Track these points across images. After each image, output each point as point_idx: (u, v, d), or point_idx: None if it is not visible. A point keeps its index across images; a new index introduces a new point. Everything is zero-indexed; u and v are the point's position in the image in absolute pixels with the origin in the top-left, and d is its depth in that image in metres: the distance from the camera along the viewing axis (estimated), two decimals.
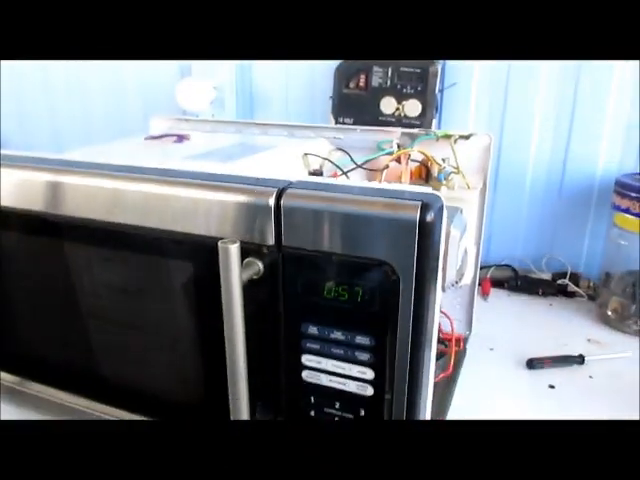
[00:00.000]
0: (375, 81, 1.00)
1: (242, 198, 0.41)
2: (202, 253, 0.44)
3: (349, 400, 0.44)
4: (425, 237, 0.37)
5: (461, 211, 0.60)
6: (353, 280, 0.40)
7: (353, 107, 1.03)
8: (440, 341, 0.72)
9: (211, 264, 0.41)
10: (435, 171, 0.68)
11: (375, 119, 1.01)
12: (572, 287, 0.96)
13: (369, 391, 0.43)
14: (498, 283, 1.01)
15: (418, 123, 0.99)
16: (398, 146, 0.69)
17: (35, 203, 0.49)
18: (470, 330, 0.80)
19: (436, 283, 0.41)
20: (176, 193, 0.43)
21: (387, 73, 0.99)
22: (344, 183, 0.42)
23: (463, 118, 1.01)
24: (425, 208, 0.37)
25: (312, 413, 0.46)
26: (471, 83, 0.99)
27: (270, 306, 0.44)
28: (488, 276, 1.02)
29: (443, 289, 0.57)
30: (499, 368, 0.75)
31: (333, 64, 1.04)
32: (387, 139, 0.70)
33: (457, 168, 0.67)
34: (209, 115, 1.15)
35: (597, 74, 0.90)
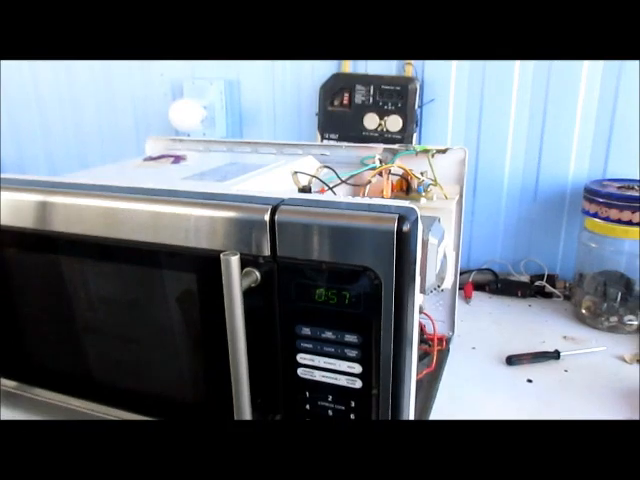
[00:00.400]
0: (358, 99, 1.06)
1: (240, 215, 0.46)
2: (205, 264, 0.49)
3: (340, 393, 0.49)
4: (402, 245, 0.42)
5: (439, 220, 0.66)
6: (341, 285, 0.45)
7: (338, 123, 1.09)
8: (424, 341, 0.78)
9: (213, 274, 0.45)
10: (415, 184, 0.73)
11: (359, 134, 1.07)
12: (549, 288, 1.01)
13: (358, 384, 0.48)
14: (480, 286, 1.06)
15: (399, 137, 1.05)
16: (380, 161, 0.74)
17: (54, 224, 0.54)
18: (453, 331, 0.85)
19: (414, 285, 0.46)
20: (183, 212, 0.48)
21: (369, 91, 1.05)
22: (330, 199, 0.47)
23: (442, 131, 1.07)
24: (402, 220, 0.42)
25: (307, 407, 0.51)
26: (449, 98, 1.05)
27: (267, 310, 0.49)
28: (470, 280, 1.07)
29: (424, 292, 0.62)
30: (481, 365, 0.80)
31: (318, 82, 1.09)
32: (370, 155, 0.75)
33: (434, 180, 0.72)
34: (200, 134, 1.21)
35: (564, 87, 0.97)
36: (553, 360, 0.81)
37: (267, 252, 0.46)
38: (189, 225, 0.48)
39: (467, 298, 1.03)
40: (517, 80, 0.99)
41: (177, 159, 0.75)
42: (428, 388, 0.71)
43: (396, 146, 0.79)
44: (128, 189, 0.52)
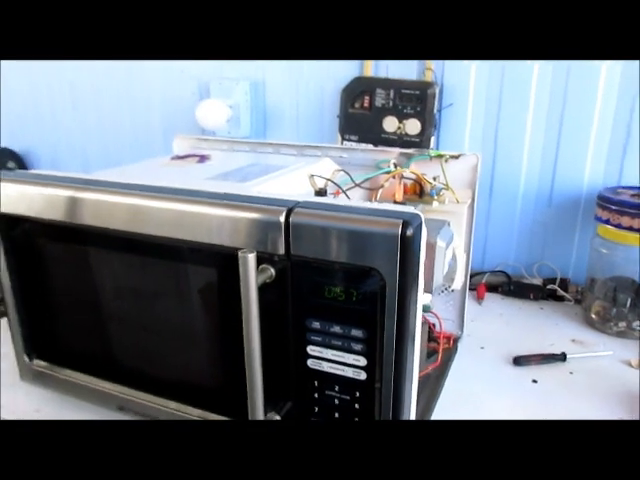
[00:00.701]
0: (378, 102, 1.09)
1: (258, 216, 0.50)
2: (225, 260, 0.53)
3: (346, 384, 0.52)
4: (406, 248, 0.45)
5: (448, 224, 0.69)
6: (348, 283, 0.49)
7: (358, 126, 1.12)
8: (433, 339, 0.81)
9: (232, 270, 0.49)
10: (427, 188, 0.76)
11: (378, 136, 1.10)
12: (561, 292, 1.03)
13: (362, 376, 0.51)
14: (493, 288, 1.09)
15: (418, 140, 1.07)
16: (395, 165, 0.77)
17: (84, 218, 0.59)
18: (462, 330, 0.88)
19: (417, 286, 0.49)
20: (205, 211, 0.52)
21: (389, 94, 1.08)
22: (342, 203, 0.51)
23: (460, 134, 1.09)
24: (406, 225, 0.45)
25: (316, 395, 0.54)
26: (467, 103, 1.07)
27: (281, 305, 0.53)
28: (483, 281, 1.10)
29: (431, 292, 0.66)
30: (488, 364, 0.83)
31: (340, 85, 1.13)
32: (385, 159, 0.79)
33: (446, 184, 0.75)
34: (226, 132, 1.25)
35: (582, 93, 0.98)
36: (559, 362, 0.83)
37: (282, 251, 0.50)
38: (211, 224, 0.52)
39: (480, 299, 1.05)
40: (535, 85, 1.01)
41: (202, 159, 0.79)
42: (434, 385, 0.74)
43: (411, 150, 0.82)
44: (155, 188, 0.56)
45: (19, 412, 0.73)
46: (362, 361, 0.51)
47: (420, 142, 1.07)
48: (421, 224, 0.48)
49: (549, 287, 1.05)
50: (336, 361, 0.52)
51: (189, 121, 1.29)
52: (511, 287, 1.07)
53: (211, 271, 0.56)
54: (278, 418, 0.55)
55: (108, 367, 0.68)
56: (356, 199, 0.69)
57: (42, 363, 0.72)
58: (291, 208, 0.49)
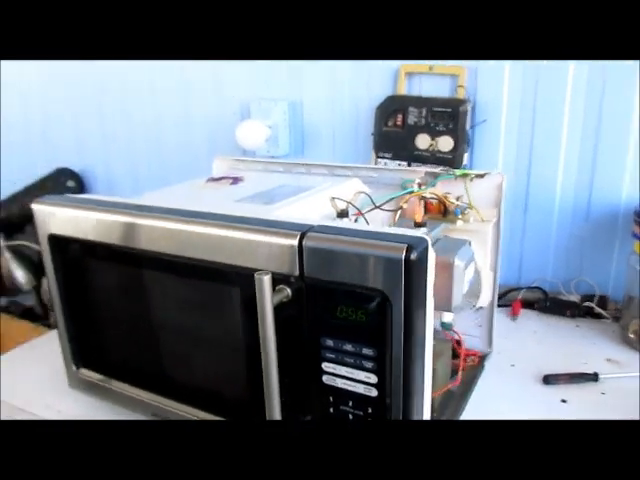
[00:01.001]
0: (411, 120, 1.11)
1: (274, 239, 0.54)
2: (247, 280, 0.56)
3: (359, 400, 0.55)
4: (410, 271, 0.48)
5: (469, 243, 0.70)
6: (358, 304, 0.51)
7: (392, 143, 1.14)
8: (458, 356, 0.81)
9: (253, 289, 0.53)
10: (451, 207, 0.78)
11: (411, 154, 1.12)
12: (598, 309, 1.01)
13: (374, 393, 0.54)
14: (529, 304, 1.07)
15: (450, 157, 1.08)
16: (419, 185, 0.79)
17: (128, 240, 0.64)
18: (491, 348, 0.88)
19: (425, 306, 0.51)
20: (228, 234, 0.56)
21: (421, 112, 1.09)
22: (353, 227, 0.53)
23: (494, 150, 1.09)
24: (410, 249, 0.47)
25: (331, 410, 0.57)
26: (500, 119, 1.07)
27: (297, 323, 0.56)
28: (519, 297, 1.09)
29: (450, 310, 0.67)
30: (516, 383, 0.83)
31: (374, 104, 1.15)
32: (409, 179, 0.81)
33: (469, 203, 0.76)
34: (265, 152, 1.30)
35: (618, 107, 0.97)
36: (591, 382, 0.82)
37: (296, 272, 0.53)
38: (233, 247, 0.56)
39: (514, 315, 1.05)
40: (569, 99, 1.00)
41: (235, 180, 0.84)
42: (457, 402, 0.75)
43: (438, 169, 0.84)
44: (184, 212, 0.61)
45: (65, 417, 0.79)
46: (373, 378, 0.53)
47: (453, 159, 1.08)
48: (427, 247, 0.50)
49: (586, 304, 1.02)
50: (349, 378, 0.55)
51: (231, 140, 1.35)
52: (547, 303, 1.05)
53: (236, 290, 0.60)
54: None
55: (145, 377, 0.73)
56: (377, 221, 0.72)
57: (87, 372, 0.78)
58: (304, 232, 0.52)
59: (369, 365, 0.53)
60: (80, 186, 1.68)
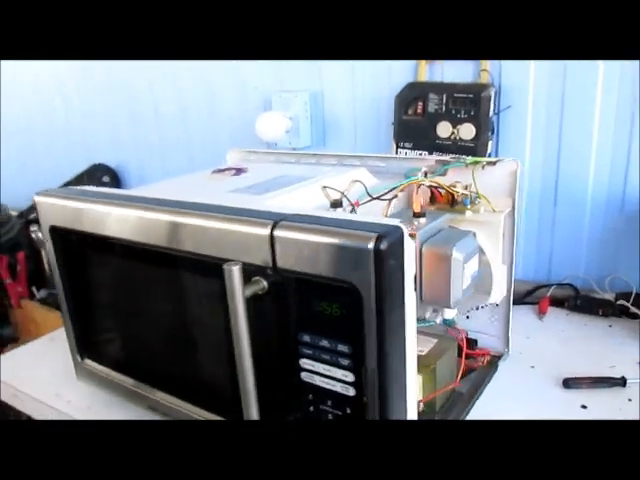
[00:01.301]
0: (431, 107, 1.06)
1: (250, 229, 0.51)
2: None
3: (337, 399, 0.52)
4: (381, 262, 0.44)
5: (473, 235, 0.66)
6: (331, 298, 0.48)
7: (412, 132, 1.09)
8: (467, 357, 0.76)
9: None
10: (460, 197, 0.73)
11: (432, 143, 1.07)
12: (633, 308, 0.93)
13: (351, 392, 0.50)
14: (558, 302, 1.00)
15: (473, 145, 1.02)
16: (425, 174, 0.75)
17: (115, 231, 0.64)
18: (507, 348, 0.82)
19: (401, 300, 0.47)
20: (203, 224, 0.54)
21: (442, 99, 1.04)
22: (326, 216, 0.50)
23: (521, 138, 1.03)
24: (380, 239, 0.44)
25: (311, 409, 0.54)
26: (527, 104, 1.00)
27: (274, 317, 0.53)
28: (548, 295, 1.02)
29: (449, 306, 0.63)
30: (533, 385, 0.77)
31: (395, 92, 1.11)
32: (416, 167, 0.76)
33: (477, 193, 0.71)
34: (287, 143, 1.28)
35: None
36: (618, 387, 0.75)
37: (270, 263, 0.51)
38: (207, 236, 0.55)
39: (541, 314, 0.98)
40: (601, 83, 0.93)
41: (239, 172, 0.82)
42: (463, 404, 0.71)
43: (447, 158, 0.79)
44: (163, 201, 0.60)
45: (73, 408, 0.80)
46: (350, 377, 0.50)
47: (475, 147, 1.02)
48: (402, 237, 0.46)
49: (620, 302, 0.95)
50: (327, 375, 0.52)
51: (254, 134, 1.34)
52: (578, 302, 0.98)
53: (215, 282, 0.58)
54: None
55: (140, 369, 0.72)
56: (375, 212, 0.68)
57: (90, 363, 0.79)
58: (277, 222, 0.50)
59: (345, 362, 0.50)
60: (115, 181, 1.72)
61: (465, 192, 0.71)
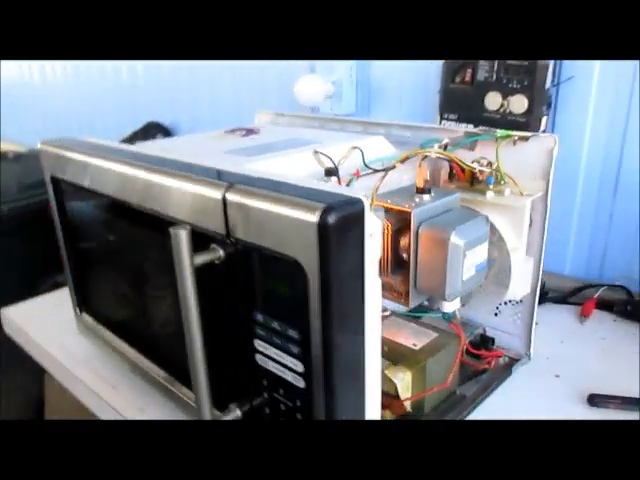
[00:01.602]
0: (481, 75, 0.94)
1: (204, 190, 0.46)
2: None
3: (289, 389, 0.46)
4: (327, 238, 0.37)
5: (486, 218, 0.57)
6: (280, 274, 0.42)
7: (458, 103, 0.99)
8: (474, 356, 0.68)
9: None
10: (482, 175, 0.63)
11: (480, 116, 0.96)
12: None
13: (301, 383, 0.44)
14: (606, 306, 0.88)
15: (524, 120, 0.91)
16: (445, 147, 0.66)
17: (98, 185, 0.61)
18: (529, 351, 0.72)
19: (357, 284, 0.40)
20: (166, 183, 0.50)
21: (493, 66, 0.93)
22: (281, 180, 0.44)
23: (582, 116, 0.90)
24: (327, 211, 0.37)
25: (265, 395, 0.49)
26: (592, 76, 0.87)
27: (229, 291, 0.48)
28: (595, 296, 0.89)
29: (444, 298, 0.55)
30: (551, 398, 0.67)
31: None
32: (435, 139, 0.67)
33: (499, 170, 0.62)
34: (328, 109, 1.21)
35: None
36: None
37: (224, 231, 0.45)
38: (172, 196, 0.50)
39: (584, 317, 0.86)
40: None
41: (248, 132, 0.77)
42: (462, 408, 0.63)
43: (477, 130, 0.69)
44: (140, 156, 0.55)
45: (73, 360, 0.80)
46: (299, 366, 0.44)
47: (527, 122, 0.90)
48: (361, 212, 0.39)
49: None
50: (279, 362, 0.46)
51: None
52: (628, 307, 0.85)
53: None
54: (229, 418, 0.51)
55: (124, 329, 0.70)
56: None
57: (86, 317, 0.78)
58: (232, 184, 0.44)
59: (295, 350, 0.44)
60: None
61: (483, 169, 0.61)
